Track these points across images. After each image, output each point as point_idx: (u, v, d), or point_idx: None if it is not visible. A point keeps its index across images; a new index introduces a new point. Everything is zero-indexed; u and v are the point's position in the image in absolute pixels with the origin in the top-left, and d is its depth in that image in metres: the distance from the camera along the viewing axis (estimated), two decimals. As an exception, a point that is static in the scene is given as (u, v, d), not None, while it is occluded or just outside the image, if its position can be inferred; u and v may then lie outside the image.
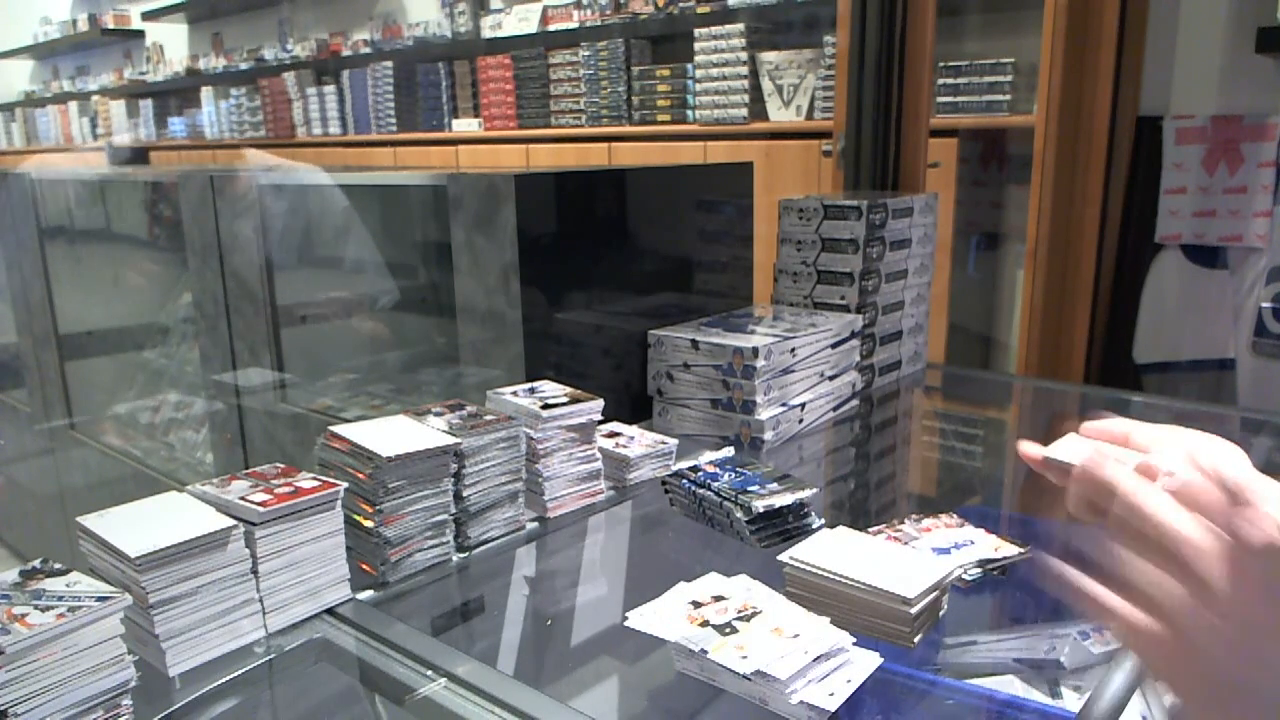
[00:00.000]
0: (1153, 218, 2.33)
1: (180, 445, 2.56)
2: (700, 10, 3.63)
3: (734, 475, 1.11)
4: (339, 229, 2.00)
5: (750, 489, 1.06)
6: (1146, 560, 0.47)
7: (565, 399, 1.14)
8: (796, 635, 0.79)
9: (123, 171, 2.92)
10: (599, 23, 4.00)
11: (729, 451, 1.34)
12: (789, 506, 1.05)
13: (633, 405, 1.48)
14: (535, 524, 1.10)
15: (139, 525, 0.81)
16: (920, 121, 2.08)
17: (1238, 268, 2.27)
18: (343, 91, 5.25)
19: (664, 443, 1.25)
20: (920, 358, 1.87)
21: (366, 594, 0.94)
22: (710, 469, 1.13)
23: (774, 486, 1.07)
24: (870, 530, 1.03)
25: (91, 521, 0.81)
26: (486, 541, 1.05)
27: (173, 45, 6.83)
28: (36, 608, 0.70)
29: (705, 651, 0.80)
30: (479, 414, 1.07)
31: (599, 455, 1.16)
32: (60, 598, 0.71)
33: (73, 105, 7.68)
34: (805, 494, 1.06)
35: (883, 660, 0.79)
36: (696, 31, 3.62)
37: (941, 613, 0.88)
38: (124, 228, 2.79)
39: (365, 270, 2.09)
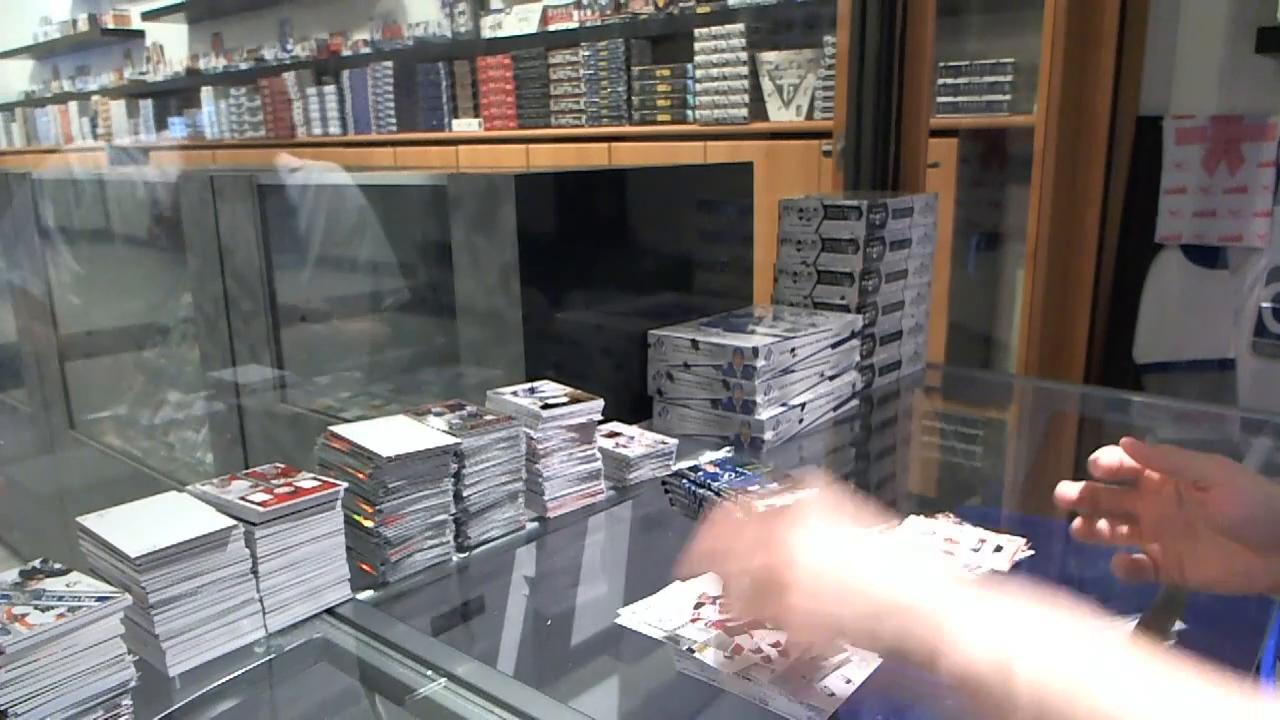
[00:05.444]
0: (1153, 218, 2.33)
1: (180, 445, 2.55)
2: (700, 10, 3.63)
3: (734, 475, 1.11)
4: (339, 229, 2.00)
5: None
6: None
7: (565, 399, 1.14)
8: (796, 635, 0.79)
9: (124, 172, 2.92)
10: (599, 23, 3.99)
11: (729, 451, 1.35)
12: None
13: (633, 405, 1.48)
14: (535, 524, 1.10)
15: (139, 525, 0.81)
16: (920, 121, 2.08)
17: (1238, 268, 2.27)
18: (343, 91, 5.25)
19: (664, 443, 1.25)
20: (920, 358, 1.87)
21: (366, 594, 0.94)
22: (710, 469, 1.13)
23: (774, 486, 1.07)
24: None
25: (91, 521, 0.81)
26: (486, 541, 1.05)
27: (173, 45, 6.83)
28: (36, 608, 0.70)
29: (692, 650, 0.80)
30: (479, 414, 1.07)
31: (599, 455, 1.16)
32: (60, 598, 0.71)
33: (73, 105, 7.68)
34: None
35: (882, 659, 0.79)
36: (696, 31, 3.62)
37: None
38: (124, 228, 2.78)
39: (365, 270, 2.09)
